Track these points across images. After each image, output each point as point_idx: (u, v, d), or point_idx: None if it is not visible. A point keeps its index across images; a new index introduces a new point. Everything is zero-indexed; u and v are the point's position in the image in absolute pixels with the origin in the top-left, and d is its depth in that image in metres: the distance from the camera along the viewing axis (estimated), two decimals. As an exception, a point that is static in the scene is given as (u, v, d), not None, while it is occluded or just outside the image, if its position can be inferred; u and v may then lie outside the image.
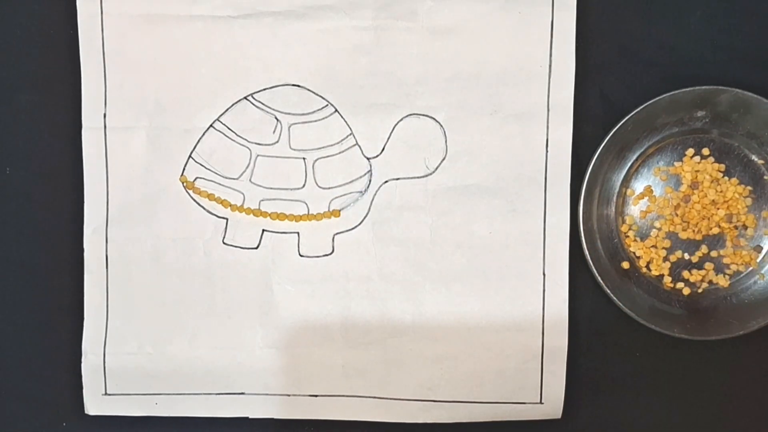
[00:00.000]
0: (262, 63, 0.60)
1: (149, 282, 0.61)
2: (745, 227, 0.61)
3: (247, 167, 0.61)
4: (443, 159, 0.60)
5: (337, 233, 0.61)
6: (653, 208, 0.61)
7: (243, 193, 0.61)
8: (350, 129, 0.61)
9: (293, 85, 0.60)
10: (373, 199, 0.61)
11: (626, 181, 0.61)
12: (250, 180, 0.61)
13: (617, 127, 0.59)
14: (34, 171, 0.62)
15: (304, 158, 0.61)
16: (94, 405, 0.62)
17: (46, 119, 0.62)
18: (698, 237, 0.61)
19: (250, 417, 0.62)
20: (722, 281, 0.61)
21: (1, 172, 0.62)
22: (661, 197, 0.61)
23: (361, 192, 0.61)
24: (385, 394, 0.61)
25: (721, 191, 0.60)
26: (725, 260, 0.61)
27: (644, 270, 0.61)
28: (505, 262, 0.61)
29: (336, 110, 0.60)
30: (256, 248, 0.61)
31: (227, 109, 0.61)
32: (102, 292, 0.61)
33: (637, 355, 0.62)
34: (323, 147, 0.61)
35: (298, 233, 0.61)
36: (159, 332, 0.61)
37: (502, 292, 0.61)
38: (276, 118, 0.60)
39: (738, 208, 0.60)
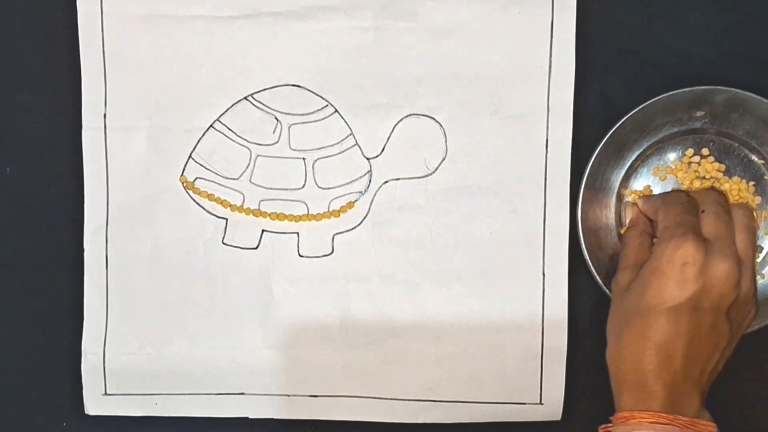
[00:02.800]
0: (262, 63, 0.60)
1: (149, 282, 0.61)
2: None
3: (246, 167, 0.61)
4: (443, 159, 0.60)
5: (337, 233, 0.61)
6: (653, 208, 0.61)
7: (243, 194, 0.61)
8: (350, 129, 0.61)
9: (293, 85, 0.60)
10: (373, 200, 0.61)
11: (625, 181, 0.61)
12: (249, 180, 0.61)
13: (616, 126, 0.59)
14: (34, 171, 0.62)
15: (303, 158, 0.61)
16: (94, 405, 0.62)
17: (46, 119, 0.61)
18: None
19: (250, 417, 0.62)
20: (722, 281, 0.61)
21: (1, 172, 0.62)
22: (660, 197, 0.61)
23: (361, 192, 0.61)
24: (385, 394, 0.61)
25: (724, 190, 0.60)
26: (725, 260, 0.61)
27: (644, 270, 0.61)
28: (504, 263, 0.61)
29: (336, 110, 0.60)
30: (256, 248, 0.61)
31: (227, 110, 0.61)
32: (102, 293, 0.61)
33: (636, 355, 0.62)
34: (323, 147, 0.61)
35: (297, 233, 0.61)
36: (159, 332, 0.61)
37: (501, 292, 0.61)
38: (276, 118, 0.60)
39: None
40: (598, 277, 0.59)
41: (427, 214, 0.61)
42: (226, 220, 0.61)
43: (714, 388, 0.61)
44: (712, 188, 0.59)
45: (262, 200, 0.61)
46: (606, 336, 0.56)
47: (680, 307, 0.53)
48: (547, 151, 0.60)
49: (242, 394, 0.61)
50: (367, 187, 0.61)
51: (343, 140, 0.61)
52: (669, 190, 0.60)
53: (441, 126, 0.60)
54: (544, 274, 0.60)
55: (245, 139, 0.61)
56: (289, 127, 0.61)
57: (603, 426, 0.55)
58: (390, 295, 0.61)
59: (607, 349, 0.56)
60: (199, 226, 0.61)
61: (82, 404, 0.62)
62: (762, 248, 0.61)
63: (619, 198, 0.61)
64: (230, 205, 0.61)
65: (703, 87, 0.58)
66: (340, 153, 0.61)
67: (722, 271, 0.53)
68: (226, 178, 0.61)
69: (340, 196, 0.61)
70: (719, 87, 0.58)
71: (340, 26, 0.60)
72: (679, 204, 0.57)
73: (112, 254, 0.61)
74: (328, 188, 0.61)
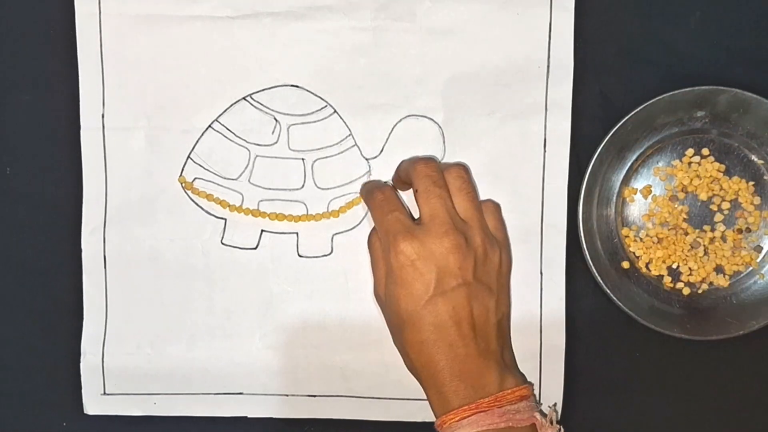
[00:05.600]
0: (261, 63, 0.60)
1: (148, 282, 0.61)
2: (750, 229, 0.61)
3: (245, 168, 0.61)
4: (441, 159, 0.60)
5: (336, 233, 0.61)
6: (653, 208, 0.61)
7: (242, 194, 0.61)
8: (349, 130, 0.61)
9: (292, 85, 0.60)
10: (372, 200, 0.61)
11: (626, 181, 0.61)
12: (248, 180, 0.61)
13: (617, 127, 0.59)
14: (33, 171, 0.62)
15: (303, 159, 0.61)
16: (93, 405, 0.62)
17: (46, 119, 0.62)
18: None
19: (249, 416, 0.62)
20: (722, 281, 0.61)
21: (1, 172, 0.62)
22: (660, 197, 0.61)
23: (360, 192, 0.61)
24: (384, 394, 0.61)
25: (724, 189, 0.60)
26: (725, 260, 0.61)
27: (644, 270, 0.61)
28: (503, 262, 0.61)
29: (335, 111, 0.60)
30: (255, 248, 0.61)
31: (226, 110, 0.60)
32: (101, 293, 0.61)
33: (636, 355, 0.62)
34: (322, 148, 0.61)
35: (297, 233, 0.61)
36: (157, 332, 0.62)
37: (500, 291, 0.61)
38: (275, 118, 0.60)
39: (748, 208, 0.60)
40: (598, 277, 0.59)
41: (426, 214, 0.61)
42: (225, 220, 0.61)
43: (714, 388, 0.62)
44: (421, 159, 0.58)
45: (261, 200, 0.61)
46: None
47: (429, 301, 0.54)
48: (545, 152, 0.60)
49: (241, 393, 0.62)
50: (366, 188, 0.61)
51: (342, 141, 0.61)
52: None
53: (439, 126, 0.60)
54: (541, 273, 0.60)
55: (244, 140, 0.61)
56: (288, 128, 0.60)
57: None
58: (389, 295, 0.61)
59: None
60: (198, 226, 0.61)
61: (81, 404, 0.62)
62: (762, 248, 0.61)
63: (620, 198, 0.61)
64: (229, 206, 0.61)
65: (703, 87, 0.58)
66: (339, 153, 0.61)
67: (443, 250, 0.54)
68: (225, 178, 0.61)
69: (340, 197, 0.61)
70: (719, 87, 0.58)
71: (339, 27, 0.60)
72: (380, 197, 0.57)
73: (111, 254, 0.61)
74: (328, 188, 0.61)
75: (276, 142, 0.61)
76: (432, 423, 0.61)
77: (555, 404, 0.57)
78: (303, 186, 0.61)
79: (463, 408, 0.53)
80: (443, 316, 0.54)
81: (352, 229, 0.61)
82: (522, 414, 0.54)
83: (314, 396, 0.61)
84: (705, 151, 0.60)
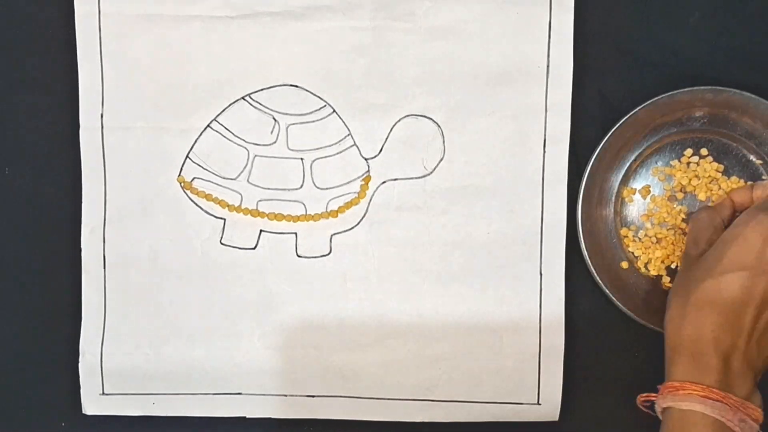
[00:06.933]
0: (260, 63, 0.60)
1: (147, 282, 0.61)
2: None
3: (244, 167, 0.61)
4: (441, 160, 0.60)
5: (335, 234, 0.61)
6: (652, 208, 0.61)
7: (241, 194, 0.61)
8: (348, 129, 0.61)
9: (291, 85, 0.60)
10: (370, 200, 0.61)
11: (625, 182, 0.61)
12: (247, 180, 0.61)
13: (615, 127, 0.59)
14: (32, 171, 0.62)
15: (302, 159, 0.61)
16: (92, 405, 0.62)
17: (44, 119, 0.62)
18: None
19: (248, 417, 0.62)
20: (721, 281, 0.61)
21: (0, 172, 0.62)
22: (659, 197, 0.61)
23: (358, 192, 0.61)
24: (383, 394, 0.61)
25: (722, 189, 0.60)
26: (724, 260, 0.61)
27: (643, 270, 0.61)
28: (502, 262, 0.61)
29: (334, 111, 0.60)
30: (254, 248, 0.61)
31: (224, 109, 0.60)
32: (100, 293, 0.61)
33: (635, 355, 0.62)
34: (321, 147, 0.61)
35: (295, 234, 0.61)
36: (156, 332, 0.62)
37: (499, 291, 0.61)
38: (274, 118, 0.60)
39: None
40: (597, 277, 0.59)
41: (424, 214, 0.61)
42: (224, 220, 0.61)
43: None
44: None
45: (260, 200, 0.61)
46: (668, 301, 0.54)
47: (757, 273, 0.51)
48: (544, 152, 0.60)
49: (240, 394, 0.62)
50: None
51: (341, 140, 0.61)
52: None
53: (439, 126, 0.60)
54: (541, 274, 0.60)
55: (243, 139, 0.61)
56: (287, 128, 0.60)
57: (644, 395, 0.54)
58: (388, 295, 0.61)
59: (666, 312, 0.54)
60: (196, 226, 0.61)
61: (79, 404, 0.62)
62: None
63: (619, 198, 0.61)
64: (228, 206, 0.61)
65: (702, 87, 0.58)
66: (338, 153, 0.61)
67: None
68: (224, 178, 0.61)
69: (338, 197, 0.61)
70: (718, 87, 0.58)
71: (338, 26, 0.60)
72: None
73: (110, 254, 0.61)
74: (326, 188, 0.61)
75: (275, 142, 0.61)
76: (430, 423, 0.61)
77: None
78: (302, 186, 0.61)
79: (713, 389, 0.51)
80: (755, 294, 0.52)
81: (350, 229, 0.61)
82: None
83: (313, 396, 0.61)
84: (704, 151, 0.60)
